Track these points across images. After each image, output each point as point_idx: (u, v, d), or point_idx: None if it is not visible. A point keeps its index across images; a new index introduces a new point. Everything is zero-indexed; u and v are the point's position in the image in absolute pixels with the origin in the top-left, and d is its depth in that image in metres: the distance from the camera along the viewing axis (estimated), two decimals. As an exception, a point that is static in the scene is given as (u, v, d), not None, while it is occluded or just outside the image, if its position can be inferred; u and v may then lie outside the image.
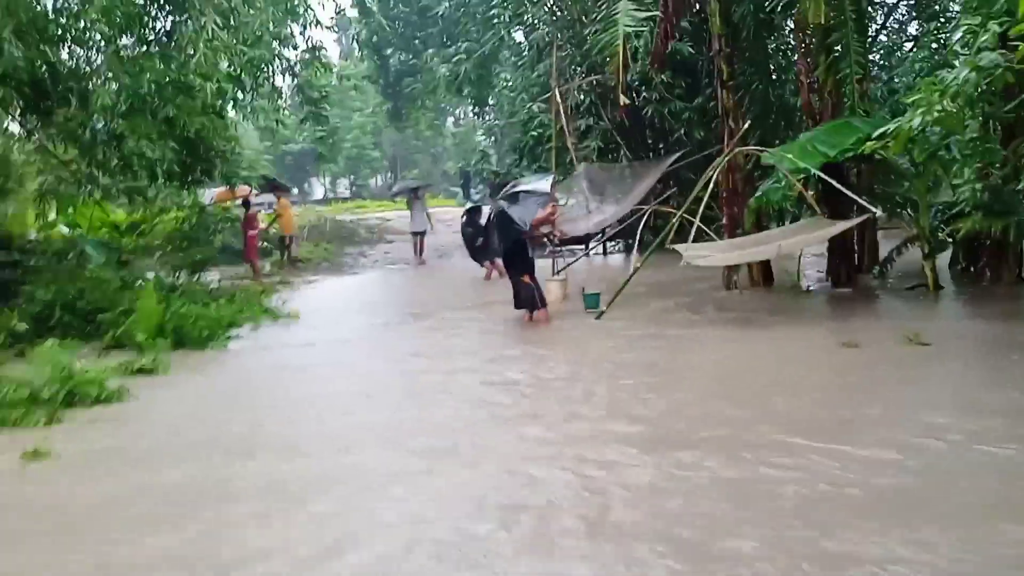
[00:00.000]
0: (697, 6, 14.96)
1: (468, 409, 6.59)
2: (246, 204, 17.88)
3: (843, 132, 10.43)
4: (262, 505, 4.65)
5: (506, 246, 11.03)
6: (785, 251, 10.51)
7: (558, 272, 12.91)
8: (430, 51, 29.58)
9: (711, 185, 11.18)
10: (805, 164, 9.91)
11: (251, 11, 12.30)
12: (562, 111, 15.40)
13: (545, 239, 12.89)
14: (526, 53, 22.97)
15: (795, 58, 14.35)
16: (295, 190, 48.68)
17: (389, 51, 32.39)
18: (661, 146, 19.46)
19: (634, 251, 13.51)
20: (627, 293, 10.89)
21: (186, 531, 4.32)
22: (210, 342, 9.73)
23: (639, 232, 13.20)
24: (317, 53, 15.69)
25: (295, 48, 14.93)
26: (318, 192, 61.52)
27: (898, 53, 17.69)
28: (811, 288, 12.11)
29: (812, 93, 12.06)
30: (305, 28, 14.85)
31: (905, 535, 3.81)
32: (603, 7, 13.87)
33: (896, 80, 16.63)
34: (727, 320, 10.08)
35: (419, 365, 8.63)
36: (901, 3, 16.39)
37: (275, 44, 13.66)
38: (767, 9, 12.69)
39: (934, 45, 15.47)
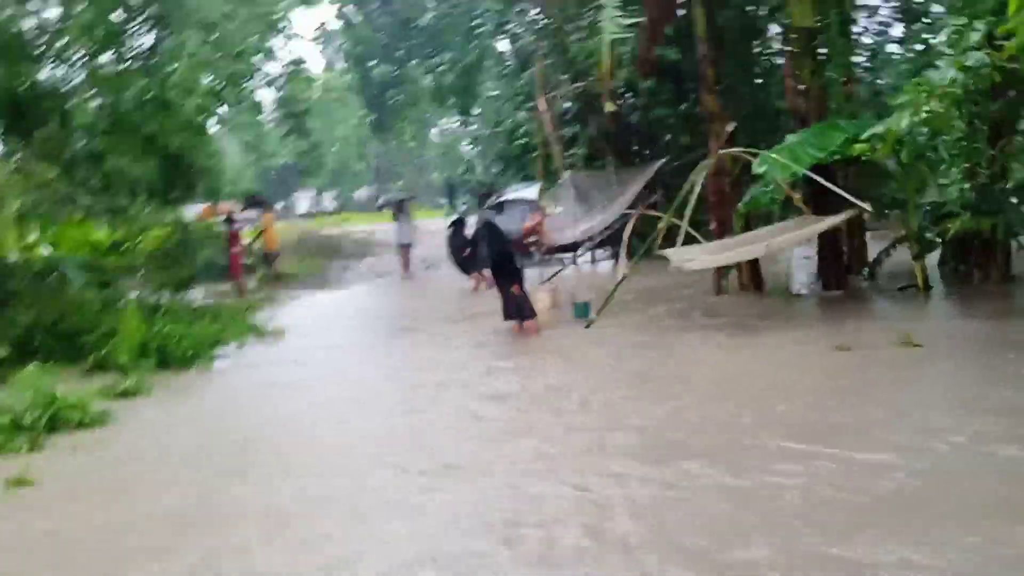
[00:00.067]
0: (682, 11, 14.96)
1: (463, 423, 6.49)
2: (229, 220, 17.72)
3: (830, 134, 10.42)
4: (261, 528, 4.53)
5: (494, 256, 10.93)
6: (774, 249, 10.46)
7: (547, 281, 12.82)
8: (414, 62, 29.57)
9: (697, 189, 11.13)
10: (796, 168, 9.88)
11: (231, 25, 12.21)
12: (547, 119, 15.36)
13: (533, 248, 12.81)
14: (510, 62, 22.96)
15: (780, 62, 14.39)
16: (279, 205, 48.40)
17: (373, 62, 32.36)
18: (647, 152, 19.47)
19: (621, 258, 13.43)
20: (617, 300, 10.82)
21: (187, 558, 4.19)
22: (195, 361, 9.57)
23: (627, 239, 13.14)
24: (298, 67, 15.62)
25: (276, 60, 14.90)
26: (303, 206, 61.20)
27: (880, 56, 17.78)
28: (802, 292, 12.09)
29: (798, 96, 12.06)
30: (288, 40, 14.81)
31: (916, 538, 3.77)
32: (588, 14, 13.86)
33: (880, 82, 16.71)
34: (718, 325, 10.00)
35: (411, 379, 8.52)
36: (884, 5, 16.51)
37: (257, 57, 13.57)
38: (751, 14, 12.72)
39: (918, 47, 15.55)
